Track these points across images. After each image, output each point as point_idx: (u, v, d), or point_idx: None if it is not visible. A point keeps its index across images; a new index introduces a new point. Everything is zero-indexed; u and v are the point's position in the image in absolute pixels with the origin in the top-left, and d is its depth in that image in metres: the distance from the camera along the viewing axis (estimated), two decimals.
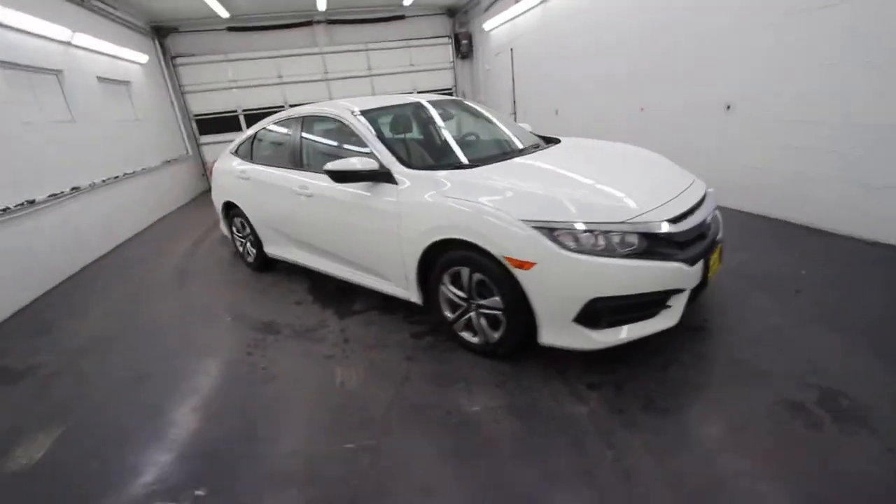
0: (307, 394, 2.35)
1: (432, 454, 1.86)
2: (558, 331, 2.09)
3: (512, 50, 8.43)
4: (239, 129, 9.52)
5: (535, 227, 2.02)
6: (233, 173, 3.99)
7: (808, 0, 3.45)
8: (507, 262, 2.09)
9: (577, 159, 2.82)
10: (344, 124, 3.00)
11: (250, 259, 4.23)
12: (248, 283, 3.98)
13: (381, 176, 2.62)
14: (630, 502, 1.57)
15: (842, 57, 3.32)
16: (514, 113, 8.81)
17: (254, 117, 9.52)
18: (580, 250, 1.98)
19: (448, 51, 10.39)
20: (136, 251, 5.46)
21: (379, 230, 2.68)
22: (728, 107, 4.32)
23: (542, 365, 2.34)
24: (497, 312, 2.28)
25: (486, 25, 9.02)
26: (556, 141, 3.26)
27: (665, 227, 2.06)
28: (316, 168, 3.23)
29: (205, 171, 9.54)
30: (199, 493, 1.78)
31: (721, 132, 4.42)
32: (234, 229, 4.31)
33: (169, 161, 7.94)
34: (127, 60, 7.03)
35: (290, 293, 3.66)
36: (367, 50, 9.79)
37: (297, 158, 3.36)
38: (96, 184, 5.47)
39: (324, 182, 3.00)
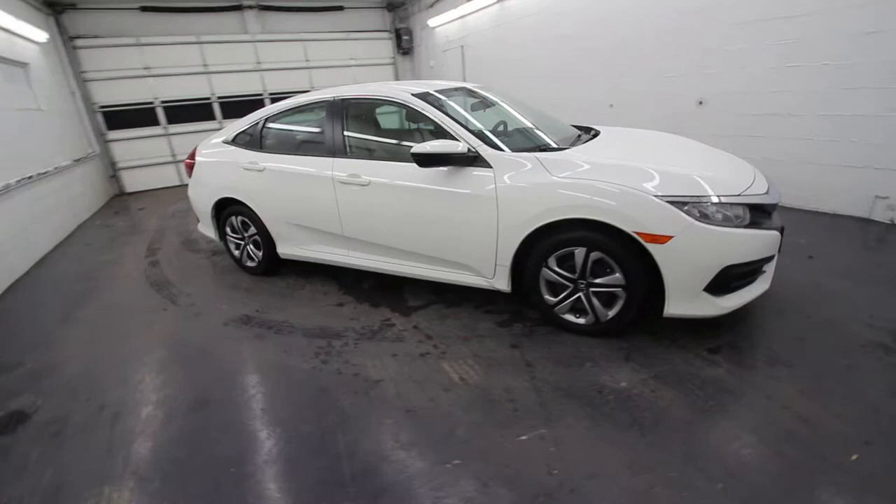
0: (430, 393, 2.15)
1: (615, 433, 1.83)
2: (688, 300, 2.19)
3: (463, 48, 8.53)
4: (156, 122, 8.35)
5: (671, 202, 2.09)
6: (233, 165, 3.49)
7: (774, 11, 4.03)
8: (639, 238, 2.14)
9: (642, 145, 2.96)
10: (408, 108, 2.80)
11: (252, 263, 3.75)
12: (261, 289, 3.51)
13: (470, 160, 2.50)
14: (828, 443, 1.70)
15: (805, 59, 3.94)
16: None
17: (176, 109, 8.42)
18: (711, 222, 2.09)
19: (389, 46, 10.17)
20: (71, 267, 4.50)
21: (468, 217, 2.55)
22: (700, 102, 4.86)
23: (651, 338, 2.43)
24: (615, 289, 2.31)
25: (432, 22, 9.01)
26: (594, 130, 3.38)
27: (767, 199, 2.28)
28: (369, 155, 2.99)
29: (114, 173, 8.20)
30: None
31: (694, 125, 4.95)
32: (227, 230, 3.77)
33: (78, 160, 6.68)
34: (22, 37, 5.75)
35: (321, 295, 3.31)
36: (304, 41, 9.18)
37: (337, 145, 3.04)
38: (11, 185, 4.41)
39: (388, 169, 2.79)
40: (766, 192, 2.34)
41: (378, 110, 3.08)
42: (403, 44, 9.96)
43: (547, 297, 2.53)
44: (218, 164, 3.65)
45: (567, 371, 2.23)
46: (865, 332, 2.35)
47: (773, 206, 2.40)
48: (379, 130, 3.12)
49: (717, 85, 4.64)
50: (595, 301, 2.40)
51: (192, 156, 3.86)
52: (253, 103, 8.62)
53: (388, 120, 3.03)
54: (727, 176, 2.34)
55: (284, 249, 3.49)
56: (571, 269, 2.40)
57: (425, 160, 2.49)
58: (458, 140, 2.55)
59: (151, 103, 8.28)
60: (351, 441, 1.90)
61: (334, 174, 2.97)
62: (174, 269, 4.17)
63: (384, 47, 10.14)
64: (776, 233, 2.25)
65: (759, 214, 2.27)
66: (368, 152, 3.00)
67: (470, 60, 8.44)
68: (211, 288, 3.67)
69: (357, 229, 3.04)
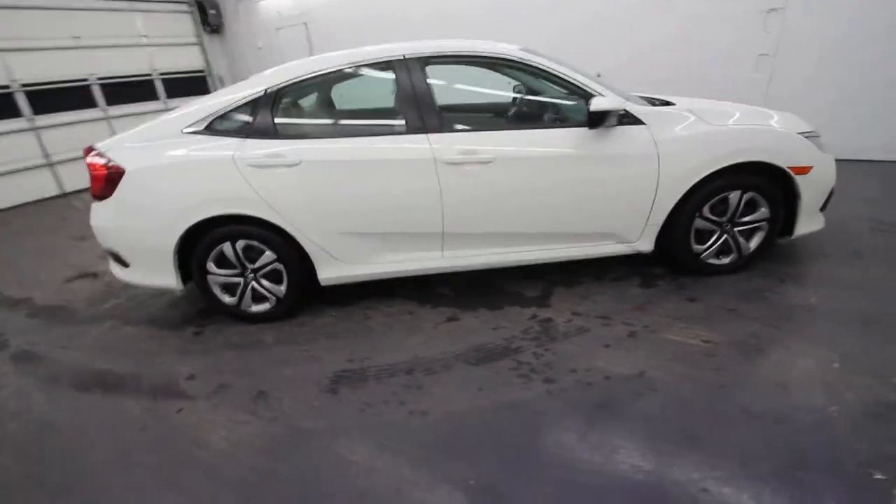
0: (705, 367, 1.96)
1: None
2: (810, 221, 2.57)
3: (307, 25, 7.47)
4: None
5: (807, 138, 2.41)
6: (226, 164, 2.29)
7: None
8: (790, 171, 2.39)
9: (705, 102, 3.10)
10: (518, 65, 2.36)
11: (263, 306, 2.61)
12: (305, 338, 2.48)
13: (621, 118, 2.31)
14: None
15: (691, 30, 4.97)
16: None
17: None
18: (824, 151, 2.50)
19: (189, 22, 8.08)
20: None
21: (623, 180, 2.37)
22: (598, 74, 5.57)
23: (758, 271, 2.71)
24: (759, 223, 2.53)
25: None
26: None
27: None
28: (477, 126, 2.41)
29: None
30: None
31: None
32: (210, 267, 2.48)
33: None
34: None
35: (411, 317, 2.57)
36: (70, 9, 6.45)
37: (428, 117, 2.32)
38: None
39: (515, 139, 2.33)
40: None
41: (472, 72, 2.47)
42: (210, 19, 8.10)
43: (695, 246, 2.59)
44: (188, 166, 2.33)
45: (758, 304, 2.37)
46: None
47: None
48: (478, 95, 2.51)
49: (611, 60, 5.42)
50: (740, 239, 2.58)
51: (106, 164, 2.36)
52: None
53: (482, 82, 2.46)
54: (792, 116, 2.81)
55: (332, 273, 2.53)
56: (721, 214, 2.51)
57: (599, 119, 2.18)
58: (605, 96, 2.31)
59: None
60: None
61: (436, 154, 2.29)
62: (122, 342, 2.53)
63: (183, 23, 8.03)
64: None
65: None
66: (474, 122, 2.42)
67: (319, 40, 7.49)
68: (244, 361, 2.38)
69: (467, 220, 2.44)
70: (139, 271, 2.55)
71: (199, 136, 2.36)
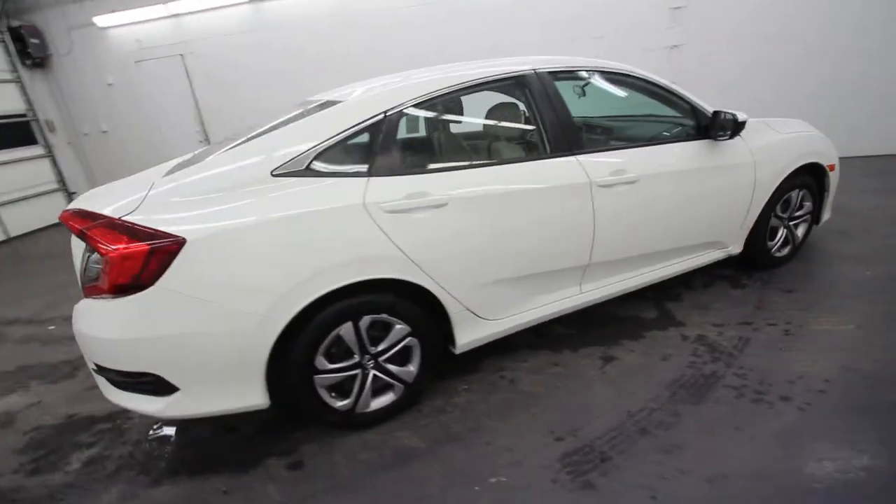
0: None
1: None
2: (828, 210, 3.03)
3: (183, 56, 6.24)
4: None
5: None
6: (355, 214, 1.64)
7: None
8: (828, 169, 2.80)
9: None
10: (642, 81, 2.27)
11: (390, 397, 1.93)
12: (458, 427, 1.90)
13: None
14: None
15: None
16: (207, 137, 6.64)
17: None
18: None
19: (1, 53, 6.00)
20: None
21: (731, 188, 2.46)
22: None
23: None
24: (806, 216, 2.88)
25: (101, 19, 6.06)
26: None
27: None
28: (609, 143, 2.24)
29: None
30: None
31: None
32: (321, 363, 1.73)
33: None
34: None
35: (565, 371, 2.17)
36: None
37: (570, 136, 2.03)
38: None
39: (651, 156, 2.23)
40: None
41: (599, 86, 2.24)
42: (32, 50, 6.17)
43: (768, 243, 2.81)
44: (300, 223, 1.59)
45: (839, 285, 2.67)
46: None
47: None
48: (601, 111, 2.27)
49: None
50: (794, 231, 2.90)
51: (151, 235, 1.48)
52: None
53: (615, 99, 2.26)
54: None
55: (471, 335, 2.00)
56: (784, 210, 2.79)
57: (736, 129, 2.23)
58: (707, 110, 2.38)
59: None
60: None
61: (591, 176, 2.03)
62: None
63: None
64: None
65: None
66: (605, 140, 2.22)
67: (203, 75, 6.32)
68: (401, 487, 1.62)
69: (612, 246, 2.20)
70: (195, 396, 1.63)
71: (300, 180, 1.66)
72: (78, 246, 1.71)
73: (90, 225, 1.52)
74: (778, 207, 2.71)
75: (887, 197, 3.94)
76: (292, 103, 2.48)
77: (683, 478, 1.56)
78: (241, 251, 1.54)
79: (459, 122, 2.19)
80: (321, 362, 1.73)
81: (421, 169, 1.83)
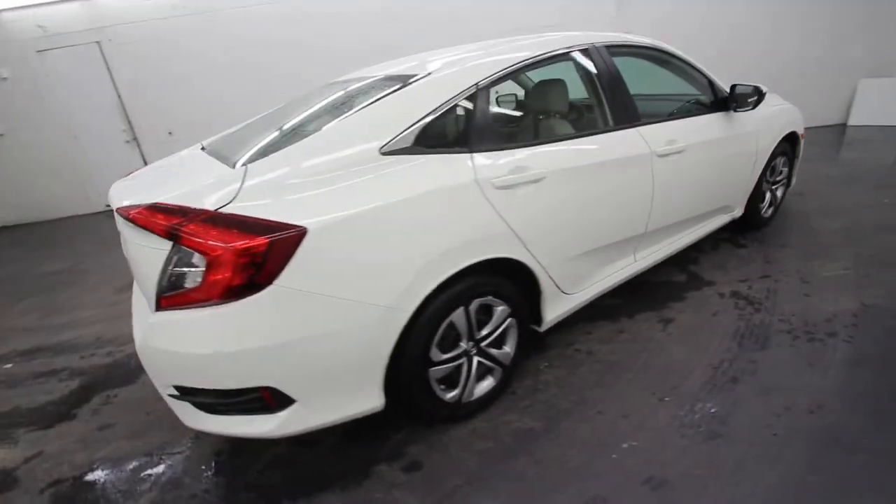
0: None
1: None
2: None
3: (100, 44, 5.41)
4: None
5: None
6: (468, 191, 1.56)
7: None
8: (800, 136, 3.18)
9: None
10: (664, 55, 2.40)
11: (490, 382, 1.87)
12: (567, 403, 1.90)
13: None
14: None
15: None
16: (135, 137, 5.84)
17: None
18: None
19: None
20: None
21: (742, 154, 2.71)
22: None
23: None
24: (784, 179, 3.26)
25: None
26: None
27: None
28: (656, 116, 2.31)
29: None
30: None
31: None
32: (437, 355, 1.62)
33: None
34: None
35: (622, 341, 2.26)
36: None
37: (627, 109, 2.10)
38: None
39: (693, 126, 2.40)
40: None
41: (634, 63, 2.29)
42: None
43: (759, 204, 3.13)
44: (421, 203, 1.47)
45: (827, 236, 3.06)
46: None
47: None
48: (646, 84, 2.33)
49: None
50: (777, 193, 3.26)
51: (266, 227, 1.28)
52: None
53: (649, 73, 2.33)
54: None
55: (556, 310, 2.00)
56: (771, 174, 3.12)
57: (758, 100, 2.44)
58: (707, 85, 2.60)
59: None
60: None
61: (652, 147, 2.11)
62: None
63: None
64: None
65: None
66: (653, 113, 2.30)
67: (125, 65, 5.54)
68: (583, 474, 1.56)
69: (664, 215, 2.31)
70: (314, 406, 1.45)
71: (409, 157, 1.53)
72: (142, 252, 1.43)
73: (181, 221, 1.27)
74: (768, 173, 3.04)
75: (821, 164, 4.57)
76: (319, 86, 2.29)
77: (791, 413, 1.70)
78: (366, 238, 1.39)
79: (528, 95, 2.16)
80: (435, 353, 1.63)
81: (514, 143, 1.77)
